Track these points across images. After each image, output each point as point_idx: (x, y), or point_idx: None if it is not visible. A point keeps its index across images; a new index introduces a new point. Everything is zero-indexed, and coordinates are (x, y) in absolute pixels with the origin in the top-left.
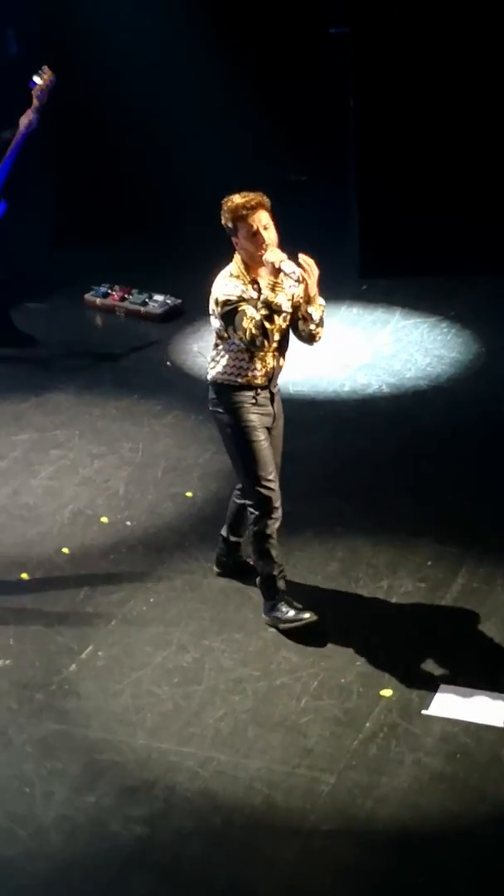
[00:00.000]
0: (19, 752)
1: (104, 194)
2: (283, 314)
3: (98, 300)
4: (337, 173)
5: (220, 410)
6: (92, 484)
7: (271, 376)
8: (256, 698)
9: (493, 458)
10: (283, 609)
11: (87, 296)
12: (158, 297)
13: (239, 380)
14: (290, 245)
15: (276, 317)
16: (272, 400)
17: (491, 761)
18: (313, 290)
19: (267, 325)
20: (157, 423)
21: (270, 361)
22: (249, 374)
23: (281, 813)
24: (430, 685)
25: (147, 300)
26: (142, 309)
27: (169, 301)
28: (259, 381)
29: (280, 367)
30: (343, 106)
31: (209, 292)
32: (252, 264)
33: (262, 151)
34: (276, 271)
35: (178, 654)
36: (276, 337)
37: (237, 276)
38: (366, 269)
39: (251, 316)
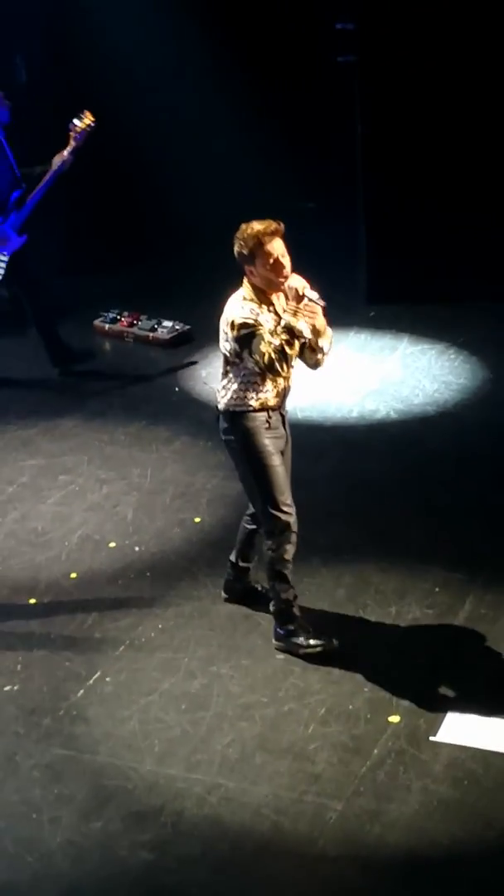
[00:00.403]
0: (27, 777)
1: (113, 221)
2: (303, 340)
3: (107, 326)
4: (345, 200)
5: (235, 437)
6: (100, 509)
7: (283, 397)
8: (264, 725)
9: (501, 485)
10: (302, 637)
11: (97, 322)
12: (167, 323)
13: (253, 403)
14: (298, 272)
15: (296, 342)
16: (283, 421)
17: (499, 787)
18: (321, 323)
19: (287, 349)
20: (166, 449)
21: (282, 382)
22: (262, 396)
23: (288, 839)
24: (438, 711)
25: (156, 326)
26: (150, 335)
27: (178, 327)
28: (272, 403)
29: (289, 388)
30: (351, 133)
31: (218, 318)
32: (268, 290)
33: (270, 178)
34: (300, 297)
35: (186, 680)
36: (294, 362)
37: (251, 300)
38: (373, 295)
39: (269, 340)
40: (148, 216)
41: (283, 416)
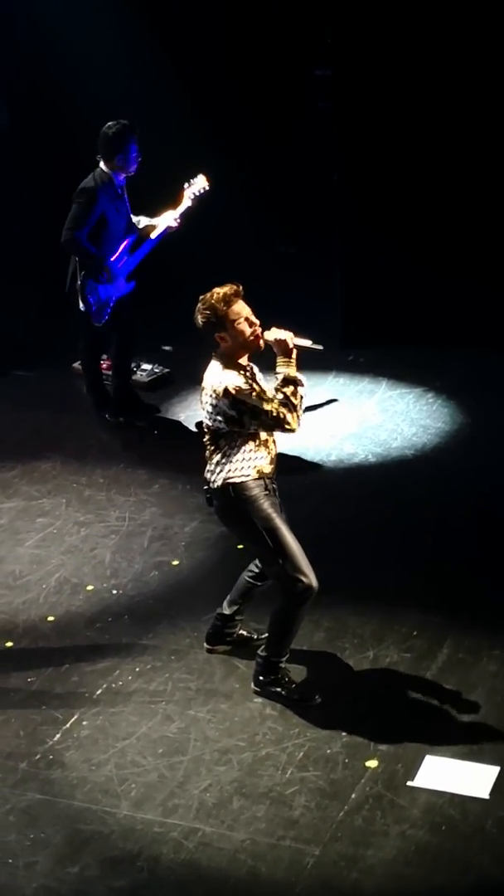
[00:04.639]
0: (2, 822)
1: None
2: (302, 387)
3: None
4: (323, 245)
5: (238, 510)
6: (78, 552)
7: (275, 463)
8: (242, 769)
9: (478, 528)
10: (284, 690)
11: (75, 365)
12: (146, 367)
13: (251, 472)
14: (276, 316)
15: (298, 390)
16: (277, 490)
17: (476, 833)
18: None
19: (293, 400)
20: (144, 492)
21: (273, 447)
22: (258, 463)
23: (266, 885)
24: (416, 756)
25: (135, 369)
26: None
27: (157, 370)
28: (267, 471)
29: (277, 454)
30: (328, 179)
31: (198, 361)
32: (239, 353)
33: (249, 223)
34: (288, 348)
35: (164, 724)
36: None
37: (231, 368)
38: (349, 339)
39: (269, 397)
40: None
41: (275, 486)
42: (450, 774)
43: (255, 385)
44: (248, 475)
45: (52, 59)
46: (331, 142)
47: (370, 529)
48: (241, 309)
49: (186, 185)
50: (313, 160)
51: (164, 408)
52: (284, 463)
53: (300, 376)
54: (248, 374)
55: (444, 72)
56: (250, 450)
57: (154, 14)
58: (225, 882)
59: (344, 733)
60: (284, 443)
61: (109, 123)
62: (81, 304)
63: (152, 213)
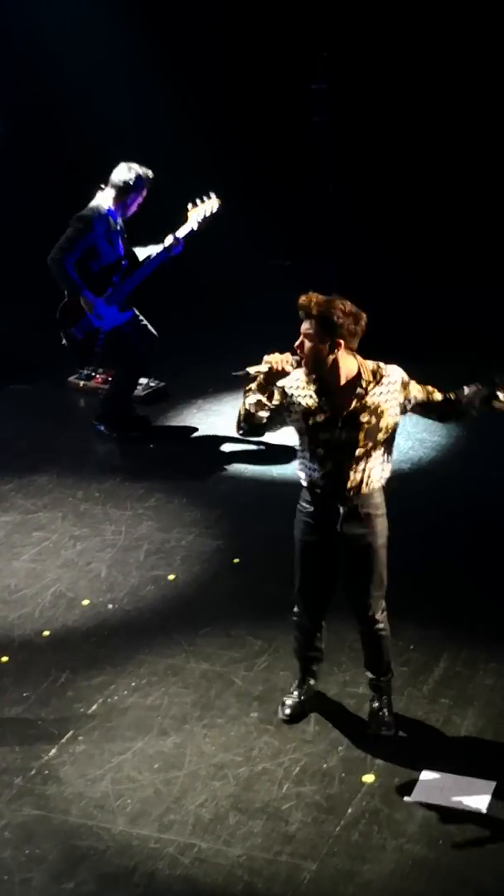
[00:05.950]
0: None
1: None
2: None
3: (82, 383)
4: (318, 258)
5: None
6: (74, 566)
7: (332, 482)
8: (238, 784)
9: (475, 541)
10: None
11: (71, 378)
12: (142, 381)
13: (303, 476)
14: (273, 327)
15: (258, 412)
16: (338, 517)
17: (473, 847)
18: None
19: (247, 422)
20: (140, 506)
21: (329, 465)
22: (307, 472)
23: None
24: (413, 771)
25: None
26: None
27: (152, 384)
28: (320, 483)
29: (355, 483)
30: (323, 192)
31: (193, 374)
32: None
33: (246, 237)
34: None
35: (160, 738)
36: (322, 451)
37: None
38: None
39: (247, 402)
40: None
41: (338, 510)
42: (447, 789)
43: (287, 393)
44: (301, 479)
45: (50, 74)
46: (326, 155)
47: None
48: (302, 324)
49: (191, 204)
50: (309, 174)
51: (160, 421)
52: (281, 477)
53: (249, 401)
54: (293, 383)
55: (439, 86)
56: (305, 457)
57: (150, 27)
58: None
59: (340, 748)
60: (281, 456)
61: (134, 166)
62: (63, 338)
63: (149, 234)
